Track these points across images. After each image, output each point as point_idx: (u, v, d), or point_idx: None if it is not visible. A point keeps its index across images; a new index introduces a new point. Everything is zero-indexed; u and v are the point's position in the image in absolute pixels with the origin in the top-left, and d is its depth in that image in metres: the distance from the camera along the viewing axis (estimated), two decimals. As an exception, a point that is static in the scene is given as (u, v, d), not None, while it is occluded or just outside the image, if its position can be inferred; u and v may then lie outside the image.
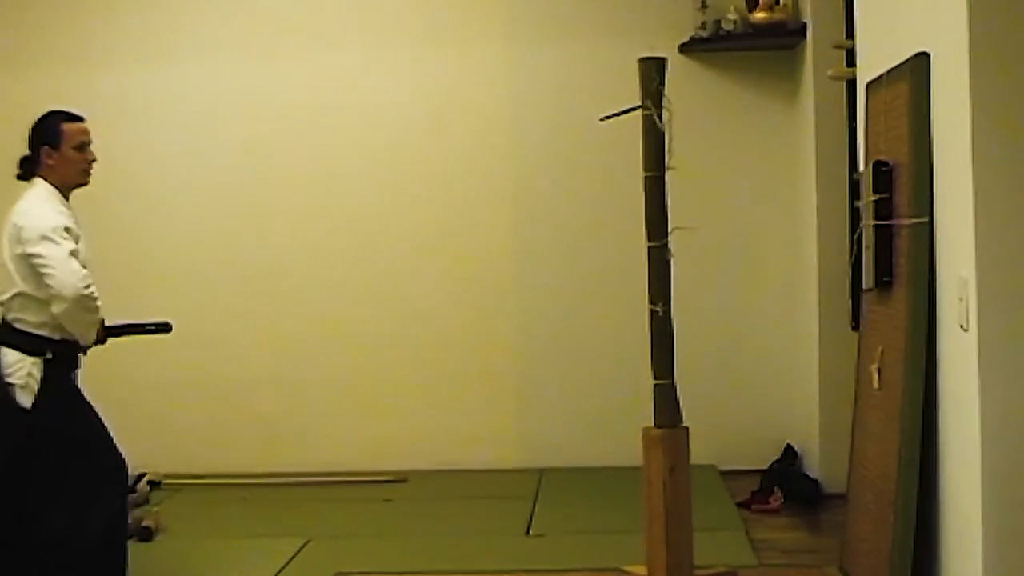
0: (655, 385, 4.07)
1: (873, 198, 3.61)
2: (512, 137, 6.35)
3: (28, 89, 6.52)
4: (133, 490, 5.86)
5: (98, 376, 6.36)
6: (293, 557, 4.86)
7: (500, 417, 6.38)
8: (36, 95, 6.51)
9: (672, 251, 4.06)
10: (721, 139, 6.22)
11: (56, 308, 3.89)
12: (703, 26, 6.07)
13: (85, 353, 4.19)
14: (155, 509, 5.57)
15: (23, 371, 3.93)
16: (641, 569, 4.16)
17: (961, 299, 3.08)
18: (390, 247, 6.41)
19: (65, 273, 3.85)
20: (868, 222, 3.67)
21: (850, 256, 4.34)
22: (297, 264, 6.43)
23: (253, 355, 6.42)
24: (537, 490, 5.88)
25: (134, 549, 4.70)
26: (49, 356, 3.96)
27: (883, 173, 3.60)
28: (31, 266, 3.91)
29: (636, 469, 4.21)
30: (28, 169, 4.10)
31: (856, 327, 4.69)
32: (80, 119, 4.13)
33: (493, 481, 6.11)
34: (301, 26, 6.44)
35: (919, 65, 3.36)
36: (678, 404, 4.08)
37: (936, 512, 3.36)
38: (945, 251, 3.26)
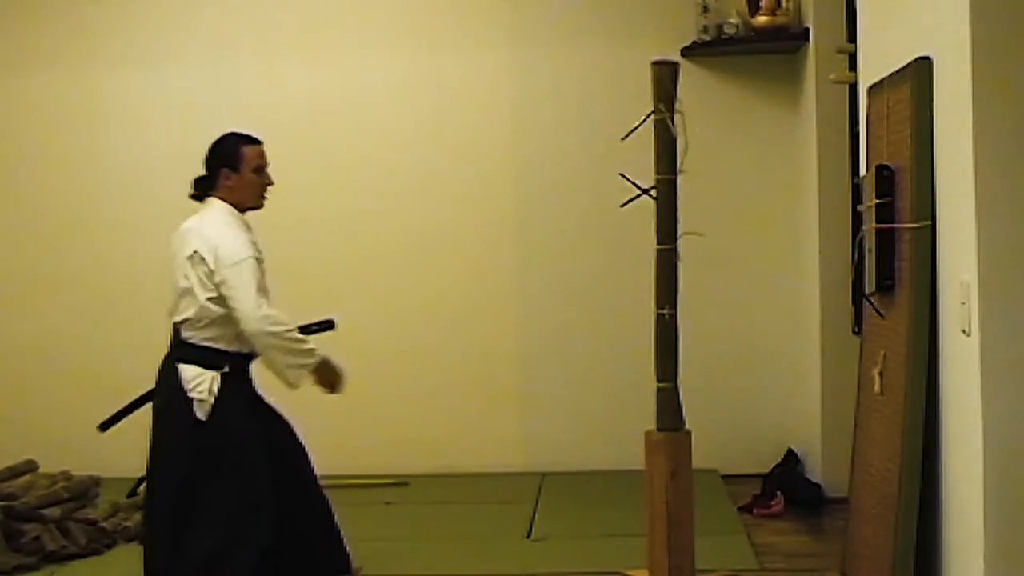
0: (658, 389, 4.07)
1: (875, 202, 3.61)
2: (515, 141, 6.36)
3: (33, 92, 6.55)
4: (135, 493, 5.87)
5: (100, 378, 6.42)
6: (294, 560, 4.85)
7: (501, 420, 6.38)
8: (41, 98, 6.56)
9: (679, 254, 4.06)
10: (723, 143, 6.22)
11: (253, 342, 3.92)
12: (705, 30, 6.08)
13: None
14: (156, 512, 5.56)
15: (203, 385, 3.90)
16: (643, 573, 4.16)
17: (963, 303, 3.08)
18: (391, 250, 6.42)
19: (250, 309, 3.86)
20: (870, 226, 3.67)
21: (852, 260, 4.34)
22: (297, 267, 6.42)
23: (255, 358, 6.42)
24: (538, 494, 5.88)
25: (134, 551, 4.70)
26: (226, 369, 3.93)
27: (885, 177, 3.59)
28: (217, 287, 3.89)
29: (638, 473, 4.21)
30: (203, 189, 4.07)
31: (858, 331, 4.69)
32: (258, 142, 4.10)
33: (494, 485, 6.11)
34: (303, 30, 6.45)
35: (921, 69, 3.36)
36: (680, 408, 4.08)
37: (938, 516, 3.36)
38: (947, 255, 3.26)
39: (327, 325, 4.40)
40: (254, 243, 4.02)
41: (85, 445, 6.27)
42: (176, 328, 3.99)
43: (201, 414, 3.90)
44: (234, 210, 4.04)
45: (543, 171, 6.35)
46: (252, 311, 3.86)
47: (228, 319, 3.92)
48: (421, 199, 6.41)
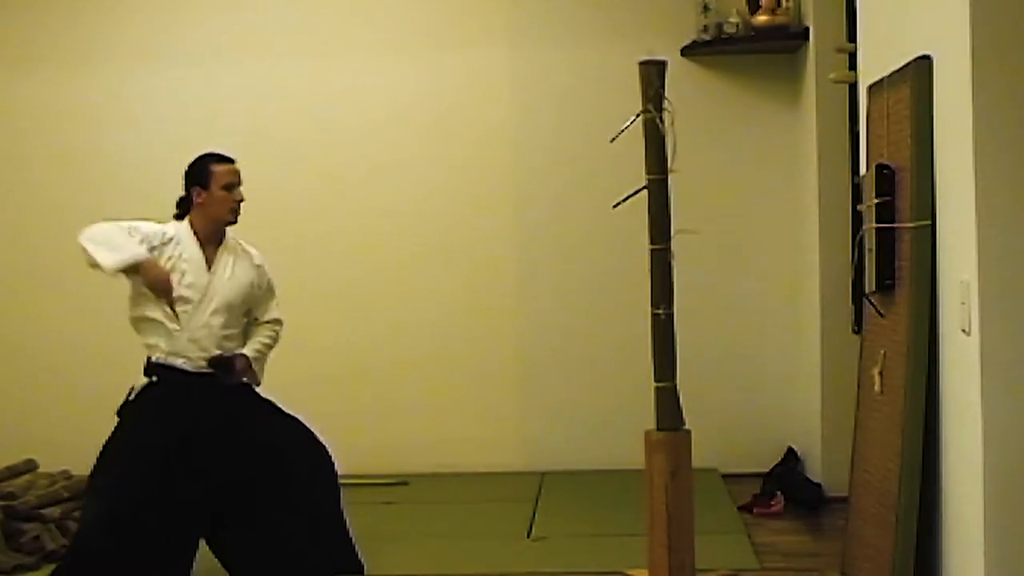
0: (657, 388, 4.07)
1: (875, 201, 3.61)
2: (515, 141, 6.36)
3: (29, 93, 6.55)
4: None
5: (99, 378, 6.41)
6: (294, 560, 4.85)
7: (501, 420, 6.38)
8: (36, 99, 6.55)
9: (674, 254, 4.06)
10: (722, 142, 6.22)
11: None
12: (705, 29, 6.07)
13: (232, 383, 4.37)
14: (156, 512, 5.56)
15: (132, 388, 4.29)
16: (643, 572, 4.16)
17: (963, 303, 3.08)
18: (391, 251, 6.42)
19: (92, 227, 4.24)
20: (870, 225, 3.67)
21: (852, 259, 4.34)
22: (297, 268, 6.41)
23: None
24: (539, 493, 5.88)
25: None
26: (154, 379, 4.25)
27: (885, 176, 3.59)
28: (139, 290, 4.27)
29: (638, 472, 4.20)
30: (184, 208, 4.39)
31: (858, 330, 4.69)
32: (230, 161, 4.38)
33: (494, 484, 6.11)
34: (303, 31, 6.45)
35: (921, 68, 3.36)
36: (680, 407, 4.07)
37: (938, 516, 3.36)
38: (947, 255, 3.26)
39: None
40: (162, 237, 4.29)
41: (85, 445, 6.29)
42: None
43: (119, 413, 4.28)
44: (190, 228, 4.34)
45: (543, 171, 6.35)
46: (90, 227, 4.25)
47: (147, 326, 4.28)
48: (420, 200, 6.40)
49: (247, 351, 4.44)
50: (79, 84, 6.50)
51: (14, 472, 5.40)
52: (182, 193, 4.40)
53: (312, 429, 4.49)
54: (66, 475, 5.45)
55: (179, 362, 4.24)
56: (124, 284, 6.76)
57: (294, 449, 4.41)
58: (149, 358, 4.28)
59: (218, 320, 4.32)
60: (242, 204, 4.37)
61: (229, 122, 6.40)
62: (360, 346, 6.42)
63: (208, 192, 4.31)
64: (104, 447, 4.26)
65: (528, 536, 5.18)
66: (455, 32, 6.38)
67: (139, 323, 4.31)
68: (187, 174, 4.38)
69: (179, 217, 4.40)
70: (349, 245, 6.42)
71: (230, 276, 4.38)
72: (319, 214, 6.44)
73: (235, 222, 4.39)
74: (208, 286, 4.30)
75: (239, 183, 4.37)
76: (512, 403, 6.38)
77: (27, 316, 6.56)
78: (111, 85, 6.49)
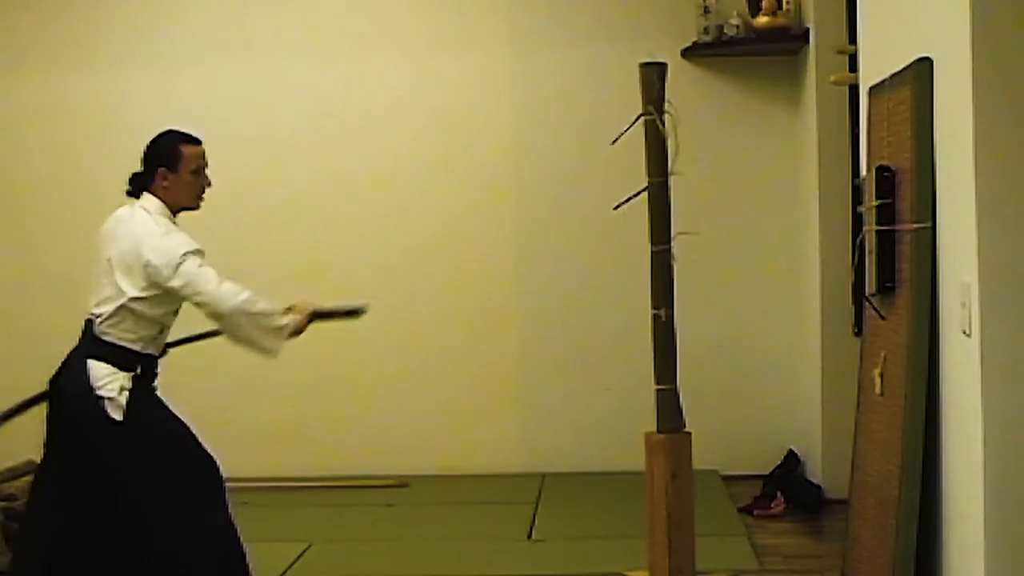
0: (658, 390, 4.07)
1: (875, 203, 3.60)
2: (515, 142, 6.36)
3: (32, 94, 6.55)
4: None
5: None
6: (294, 562, 4.86)
7: (502, 422, 6.38)
8: (39, 100, 6.56)
9: (675, 256, 4.06)
10: (723, 144, 6.22)
11: (220, 324, 3.88)
12: (706, 31, 6.08)
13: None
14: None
15: (114, 384, 3.79)
16: (643, 574, 4.16)
17: (964, 304, 3.07)
18: (392, 251, 6.42)
19: (220, 294, 3.80)
20: (870, 227, 3.66)
21: (852, 261, 4.34)
22: (297, 269, 6.42)
23: (253, 360, 6.38)
24: (539, 495, 5.88)
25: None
26: (138, 371, 3.83)
27: (885, 178, 3.59)
28: (148, 276, 3.77)
29: (638, 474, 4.20)
30: (139, 186, 3.95)
31: (859, 332, 4.69)
32: (198, 142, 3.97)
33: (495, 486, 6.11)
34: (304, 32, 6.45)
35: (922, 70, 3.36)
36: (680, 409, 4.07)
37: (938, 518, 3.36)
38: (948, 256, 3.26)
39: (355, 312, 4.25)
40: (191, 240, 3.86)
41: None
42: (90, 322, 3.89)
43: (117, 414, 3.78)
44: (167, 209, 3.91)
45: (543, 173, 6.35)
46: (222, 294, 3.80)
47: (149, 320, 3.84)
48: (420, 201, 6.41)
49: None
50: (81, 86, 6.51)
51: (14, 473, 5.39)
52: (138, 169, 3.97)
53: None
54: (66, 476, 5.44)
55: (156, 352, 3.93)
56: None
57: None
58: (126, 348, 3.82)
59: None
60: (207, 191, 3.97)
61: (230, 123, 6.40)
62: (359, 348, 6.41)
63: (176, 175, 3.88)
64: (160, 452, 3.86)
65: (528, 538, 5.19)
66: (455, 33, 6.39)
67: (132, 313, 3.82)
68: (150, 152, 3.95)
69: (132, 195, 3.95)
70: (348, 246, 6.42)
71: None
72: (319, 214, 6.44)
73: (197, 208, 3.97)
74: None
75: (206, 166, 3.95)
76: (512, 405, 6.38)
77: (28, 316, 6.56)
78: (114, 87, 6.50)
